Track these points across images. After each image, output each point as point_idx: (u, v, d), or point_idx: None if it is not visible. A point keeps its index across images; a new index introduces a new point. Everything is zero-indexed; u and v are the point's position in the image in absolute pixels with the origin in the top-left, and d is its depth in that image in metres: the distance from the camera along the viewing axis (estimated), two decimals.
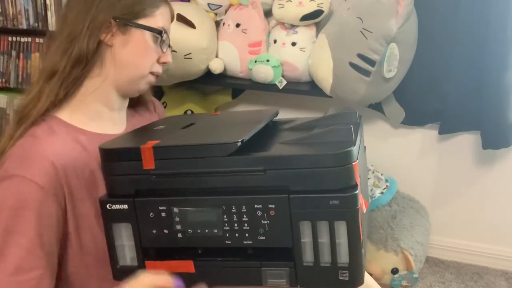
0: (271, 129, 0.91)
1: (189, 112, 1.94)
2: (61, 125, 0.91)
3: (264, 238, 0.74)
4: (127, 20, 0.92)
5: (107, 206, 0.78)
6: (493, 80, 1.63)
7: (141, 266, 0.80)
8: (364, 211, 0.75)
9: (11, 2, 1.90)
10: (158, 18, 0.96)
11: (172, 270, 0.79)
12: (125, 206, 0.77)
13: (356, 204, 0.70)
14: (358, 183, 0.71)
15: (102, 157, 0.79)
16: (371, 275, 1.41)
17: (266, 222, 0.73)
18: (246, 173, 0.72)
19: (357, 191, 0.69)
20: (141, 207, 0.77)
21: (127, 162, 0.77)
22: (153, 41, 0.95)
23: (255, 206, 0.73)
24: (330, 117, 0.92)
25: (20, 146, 0.86)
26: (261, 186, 0.72)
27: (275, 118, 0.99)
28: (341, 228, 0.71)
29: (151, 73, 0.98)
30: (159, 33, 0.95)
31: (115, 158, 0.78)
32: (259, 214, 0.73)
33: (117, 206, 0.78)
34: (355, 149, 0.70)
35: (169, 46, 1.02)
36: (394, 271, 1.69)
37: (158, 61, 0.98)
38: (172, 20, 1.03)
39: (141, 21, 0.94)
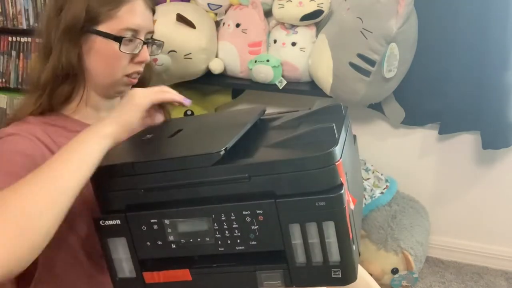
0: (257, 129, 0.91)
1: (189, 113, 1.94)
2: (64, 119, 0.94)
3: (255, 243, 0.75)
4: (81, 28, 0.88)
5: (100, 222, 0.79)
6: (493, 80, 1.63)
7: (139, 277, 0.81)
8: (352, 208, 0.76)
9: (11, 2, 1.90)
10: (121, 19, 0.89)
11: (170, 279, 0.80)
12: (118, 222, 0.78)
13: (342, 203, 0.70)
14: (344, 182, 0.71)
15: (91, 176, 0.79)
16: (371, 275, 1.41)
17: (256, 227, 0.74)
18: (232, 181, 0.73)
19: (342, 191, 0.70)
20: (133, 221, 0.78)
21: (116, 178, 0.77)
22: (117, 46, 0.89)
23: (244, 212, 0.73)
24: (315, 112, 0.92)
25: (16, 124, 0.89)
26: (247, 193, 0.73)
27: (262, 115, 0.99)
28: (330, 228, 0.71)
29: (127, 75, 0.94)
30: (115, 39, 0.88)
31: (103, 175, 0.78)
32: (248, 220, 0.73)
33: (110, 222, 0.78)
34: (337, 149, 0.71)
35: (150, 41, 0.97)
36: (394, 271, 1.69)
37: (133, 62, 0.93)
38: (153, 12, 0.97)
39: (101, 26, 0.89)
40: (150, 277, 0.81)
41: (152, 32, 0.97)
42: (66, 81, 0.92)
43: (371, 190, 1.80)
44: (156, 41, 1.00)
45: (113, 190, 0.78)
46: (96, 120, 0.97)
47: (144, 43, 0.93)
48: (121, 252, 0.81)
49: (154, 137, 0.90)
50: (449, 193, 1.97)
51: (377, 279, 1.67)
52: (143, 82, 1.06)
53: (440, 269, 1.96)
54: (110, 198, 0.79)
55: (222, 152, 0.72)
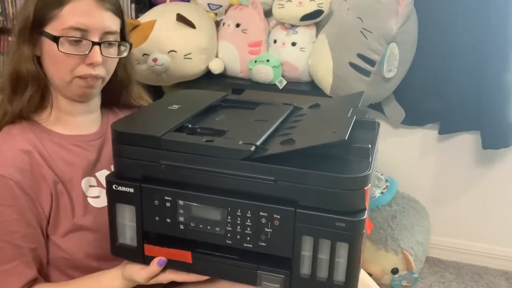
0: (288, 123, 0.89)
1: None
2: (36, 127, 0.93)
3: (264, 244, 0.74)
4: (30, 30, 0.88)
5: (113, 186, 0.79)
6: (493, 80, 1.63)
7: (139, 247, 0.81)
8: (368, 234, 0.75)
9: (11, 2, 1.90)
10: (64, 19, 0.87)
11: (170, 257, 0.80)
12: (131, 190, 0.78)
13: (361, 229, 0.70)
14: (367, 207, 0.71)
15: (113, 138, 0.79)
16: (371, 275, 1.41)
17: (269, 230, 0.73)
18: (257, 180, 0.72)
19: (364, 217, 0.69)
20: (147, 193, 0.78)
21: (139, 147, 0.77)
22: (59, 48, 0.87)
23: (261, 213, 0.73)
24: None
25: None
26: (269, 195, 0.72)
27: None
28: (343, 249, 0.71)
29: (79, 77, 0.89)
30: (54, 39, 0.86)
31: (126, 141, 0.78)
32: (263, 222, 0.73)
33: (123, 188, 0.78)
34: (369, 174, 0.70)
35: (113, 42, 0.91)
36: (394, 271, 1.69)
37: (85, 63, 0.89)
38: (116, 14, 0.91)
39: (48, 28, 0.88)
40: (151, 250, 0.81)
41: (113, 33, 0.91)
42: (30, 87, 0.91)
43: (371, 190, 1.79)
44: (120, 43, 0.93)
45: (133, 158, 0.77)
46: (68, 126, 0.96)
47: (95, 43, 0.88)
48: (127, 219, 0.81)
49: (182, 109, 0.89)
50: (449, 193, 1.97)
51: (377, 279, 1.67)
52: (121, 84, 1.02)
53: (440, 269, 1.96)
54: (128, 164, 0.78)
55: (253, 148, 0.72)
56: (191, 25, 1.66)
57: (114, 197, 0.80)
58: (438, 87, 1.77)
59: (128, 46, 0.96)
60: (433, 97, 1.79)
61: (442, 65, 1.74)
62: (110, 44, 0.91)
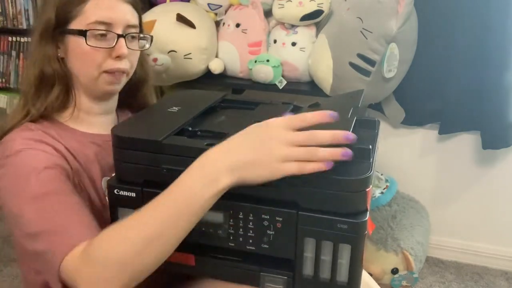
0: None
1: None
2: (58, 126, 0.93)
3: (267, 246, 0.74)
4: (53, 30, 0.89)
5: (115, 191, 0.79)
6: (493, 80, 1.63)
7: None
8: (370, 234, 0.75)
9: (11, 2, 1.90)
10: (88, 14, 0.89)
11: (173, 259, 0.80)
12: (133, 194, 0.78)
13: (363, 230, 0.69)
14: (368, 208, 0.71)
15: (113, 143, 0.79)
16: (371, 275, 1.41)
17: (271, 232, 0.73)
18: None
19: (366, 218, 0.69)
20: (149, 198, 0.77)
21: (140, 152, 0.76)
22: (87, 42, 0.88)
23: (263, 216, 0.73)
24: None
25: (18, 133, 0.88)
26: (271, 198, 0.72)
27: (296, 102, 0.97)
28: (345, 250, 0.71)
29: (105, 71, 0.91)
30: (80, 34, 0.88)
31: (127, 146, 0.77)
32: (266, 224, 0.73)
33: (125, 193, 0.78)
34: (370, 176, 0.70)
35: (134, 35, 0.93)
36: (394, 271, 1.69)
37: (112, 57, 0.90)
38: (135, 8, 0.94)
39: (71, 25, 0.89)
40: None
41: (134, 27, 0.94)
42: (54, 87, 0.91)
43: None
44: (140, 35, 0.96)
45: (134, 162, 0.77)
46: (87, 125, 0.96)
47: (120, 36, 0.90)
48: None
49: (181, 111, 0.89)
50: (449, 193, 1.97)
51: (377, 279, 1.67)
52: (139, 82, 1.04)
53: (440, 269, 1.96)
54: (129, 169, 0.78)
55: None
56: (191, 25, 1.66)
57: (116, 202, 0.79)
58: (438, 87, 1.77)
59: (150, 38, 0.98)
60: (433, 97, 1.79)
61: (442, 65, 1.74)
62: (132, 37, 0.94)
